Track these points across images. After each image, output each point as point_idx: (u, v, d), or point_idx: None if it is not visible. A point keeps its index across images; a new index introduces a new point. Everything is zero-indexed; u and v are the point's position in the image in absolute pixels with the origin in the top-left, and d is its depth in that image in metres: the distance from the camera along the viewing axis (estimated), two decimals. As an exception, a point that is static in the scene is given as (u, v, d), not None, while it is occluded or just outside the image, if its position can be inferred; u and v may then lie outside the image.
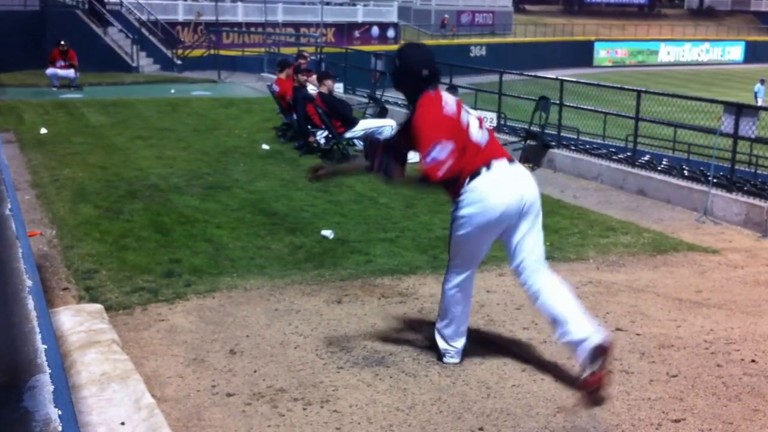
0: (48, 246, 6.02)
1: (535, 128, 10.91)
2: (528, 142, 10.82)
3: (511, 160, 3.79)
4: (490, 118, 12.21)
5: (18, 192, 6.21)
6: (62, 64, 17.87)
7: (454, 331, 3.97)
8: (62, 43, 18.06)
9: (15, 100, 15.71)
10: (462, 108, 3.81)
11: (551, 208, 7.96)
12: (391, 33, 41.49)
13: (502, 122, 12.50)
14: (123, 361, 3.63)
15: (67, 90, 17.73)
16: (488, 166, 3.66)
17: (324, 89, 10.22)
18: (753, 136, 8.31)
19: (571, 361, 4.10)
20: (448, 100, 3.77)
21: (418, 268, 5.66)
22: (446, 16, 47.69)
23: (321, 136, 10.26)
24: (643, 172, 9.10)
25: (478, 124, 3.79)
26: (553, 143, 10.71)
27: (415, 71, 3.76)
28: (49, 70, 17.95)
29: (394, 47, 37.58)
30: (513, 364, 4.06)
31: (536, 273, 3.73)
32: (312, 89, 10.79)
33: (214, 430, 3.32)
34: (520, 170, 3.80)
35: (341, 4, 41.03)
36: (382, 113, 12.83)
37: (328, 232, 6.48)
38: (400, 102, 15.39)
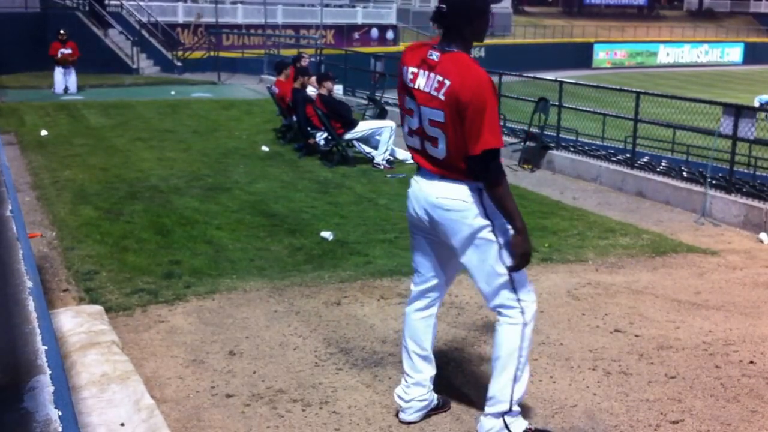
0: (48, 247, 6.03)
1: (534, 129, 10.92)
2: (527, 143, 10.83)
3: None
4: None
5: (19, 193, 6.21)
6: (66, 52, 17.80)
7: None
8: (62, 32, 18.05)
9: (16, 101, 15.72)
10: None
11: (550, 209, 7.98)
12: (390, 35, 41.52)
13: (502, 123, 12.49)
14: (123, 362, 3.65)
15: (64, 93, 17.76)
16: None
17: (323, 91, 10.22)
18: (752, 138, 8.32)
19: (569, 363, 4.11)
20: None
21: (417, 270, 5.66)
22: None
23: (321, 137, 10.27)
24: (642, 174, 9.11)
25: None
26: (552, 144, 10.72)
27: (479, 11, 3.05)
28: (57, 84, 17.92)
29: (393, 49, 37.69)
30: (512, 365, 4.06)
31: None
32: (311, 91, 10.80)
33: (213, 431, 3.33)
34: None
35: (341, 6, 41.05)
36: (381, 115, 12.83)
37: (327, 234, 6.49)
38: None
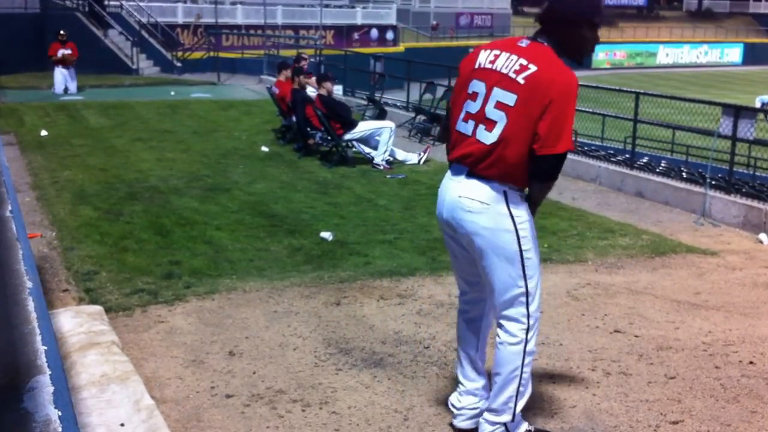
0: (48, 248, 6.03)
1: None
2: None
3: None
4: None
5: (18, 194, 6.22)
6: (66, 53, 17.80)
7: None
8: (61, 32, 18.06)
9: (16, 102, 15.72)
10: None
11: (549, 209, 7.98)
12: (389, 35, 41.53)
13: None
14: (123, 362, 3.65)
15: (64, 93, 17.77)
16: None
17: (323, 91, 10.23)
18: (751, 138, 8.32)
19: (569, 363, 4.11)
20: None
21: (416, 270, 5.67)
22: (435, 22, 48.17)
23: (320, 138, 10.27)
24: (641, 174, 9.11)
25: None
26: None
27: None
28: (56, 84, 17.91)
29: (393, 49, 37.70)
30: (511, 365, 4.06)
31: None
32: (311, 91, 10.81)
33: (213, 431, 3.34)
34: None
35: (340, 7, 41.06)
36: (381, 115, 12.83)
37: (327, 234, 6.49)
38: (399, 104, 15.41)
